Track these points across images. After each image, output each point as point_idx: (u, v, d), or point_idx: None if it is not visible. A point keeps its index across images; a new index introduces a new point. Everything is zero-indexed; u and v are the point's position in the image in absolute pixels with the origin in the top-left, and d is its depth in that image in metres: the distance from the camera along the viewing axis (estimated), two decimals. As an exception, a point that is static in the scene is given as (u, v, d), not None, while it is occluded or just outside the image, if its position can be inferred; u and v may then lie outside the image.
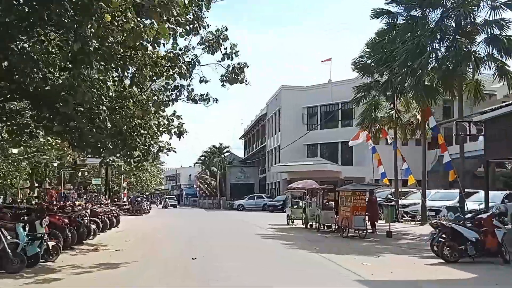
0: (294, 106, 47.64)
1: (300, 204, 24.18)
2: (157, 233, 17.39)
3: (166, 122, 13.81)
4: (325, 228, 19.58)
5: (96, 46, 8.41)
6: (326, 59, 47.07)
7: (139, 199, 33.17)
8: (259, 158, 57.97)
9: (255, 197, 47.53)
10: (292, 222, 23.91)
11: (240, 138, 70.71)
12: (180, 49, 11.27)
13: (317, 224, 19.80)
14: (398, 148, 23.40)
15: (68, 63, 9.35)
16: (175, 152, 15.10)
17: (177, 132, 13.94)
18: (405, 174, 22.62)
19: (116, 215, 19.88)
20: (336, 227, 19.27)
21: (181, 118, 14.00)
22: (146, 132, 13.86)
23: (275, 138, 51.33)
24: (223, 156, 60.83)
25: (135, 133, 13.19)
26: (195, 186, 73.54)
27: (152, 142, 14.62)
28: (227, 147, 61.02)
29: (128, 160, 15.00)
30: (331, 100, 46.14)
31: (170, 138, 15.05)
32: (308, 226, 21.49)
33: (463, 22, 17.99)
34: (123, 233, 18.17)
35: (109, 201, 26.26)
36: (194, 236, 17.27)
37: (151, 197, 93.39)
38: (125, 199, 35.85)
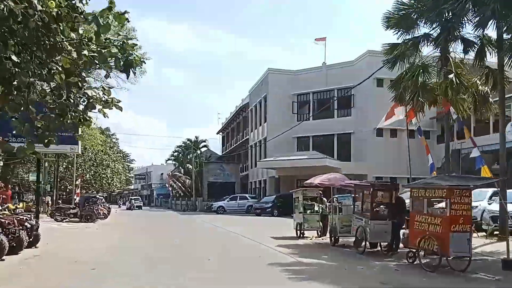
0: (282, 93, 40.08)
1: (316, 208, 16.55)
2: (89, 267, 9.18)
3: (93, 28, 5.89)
4: (354, 244, 12.09)
5: None
6: (320, 38, 39.73)
7: (93, 199, 24.54)
8: (239, 152, 50.03)
9: (238, 197, 39.57)
10: (303, 234, 16.31)
11: (217, 133, 62.53)
12: None
13: (358, 239, 12.17)
14: (466, 128, 15.99)
15: None
16: (120, 108, 7.08)
17: (123, 60, 6.21)
18: (477, 165, 15.26)
19: (31, 227, 11.58)
20: (386, 245, 11.79)
21: (127, 20, 6.11)
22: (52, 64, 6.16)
23: (259, 130, 43.56)
24: (199, 151, 52.48)
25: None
26: (167, 186, 64.84)
27: (72, 87, 6.76)
28: (204, 141, 52.73)
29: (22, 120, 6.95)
30: (325, 85, 38.82)
31: (107, 76, 7.19)
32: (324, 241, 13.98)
33: None
34: (31, 263, 9.92)
35: (20, 204, 17.72)
36: (160, 271, 9.27)
37: (119, 197, 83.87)
38: (78, 200, 27.17)
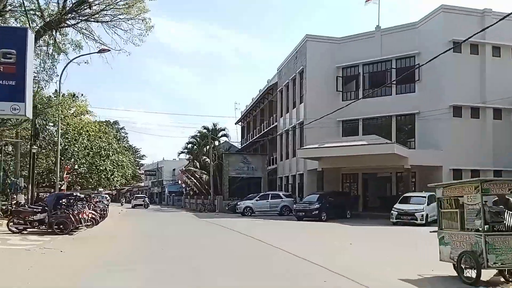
0: (324, 66, 31.15)
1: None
2: None
3: None
4: None
5: None
6: (373, -4, 30.52)
7: (69, 198, 15.69)
8: (264, 140, 41.02)
9: (269, 196, 30.51)
10: (460, 269, 7.31)
11: (236, 123, 53.58)
12: None
13: None
14: None
15: None
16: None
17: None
18: None
19: None
20: None
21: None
22: None
23: (293, 114, 34.55)
24: (217, 142, 43.61)
25: None
26: (179, 182, 56.22)
27: None
28: (223, 129, 43.72)
29: None
30: (380, 55, 29.73)
31: None
32: None
33: None
34: None
35: None
36: None
37: (129, 195, 75.50)
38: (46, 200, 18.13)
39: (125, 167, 40.12)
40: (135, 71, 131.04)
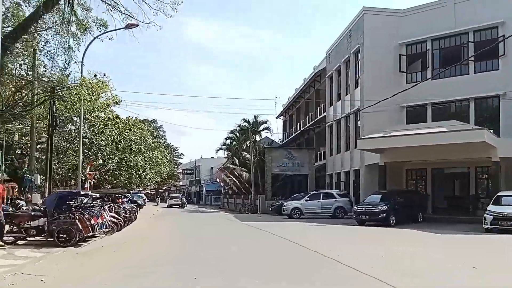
0: (384, 43, 26.38)
1: None
2: None
3: None
4: None
5: None
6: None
7: (79, 200, 12.23)
8: (312, 127, 36.58)
9: (321, 195, 26.14)
10: None
11: (277, 117, 49.43)
12: None
13: None
14: None
15: None
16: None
17: None
18: None
19: None
20: None
21: None
22: None
23: (346, 101, 29.99)
24: (259, 136, 39.69)
25: None
26: (218, 181, 52.91)
27: None
28: (265, 122, 39.63)
29: None
30: (453, 27, 24.64)
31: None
32: None
33: None
34: None
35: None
36: None
37: (167, 194, 73.30)
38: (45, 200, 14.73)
39: (161, 164, 37.04)
40: (171, 72, 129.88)
